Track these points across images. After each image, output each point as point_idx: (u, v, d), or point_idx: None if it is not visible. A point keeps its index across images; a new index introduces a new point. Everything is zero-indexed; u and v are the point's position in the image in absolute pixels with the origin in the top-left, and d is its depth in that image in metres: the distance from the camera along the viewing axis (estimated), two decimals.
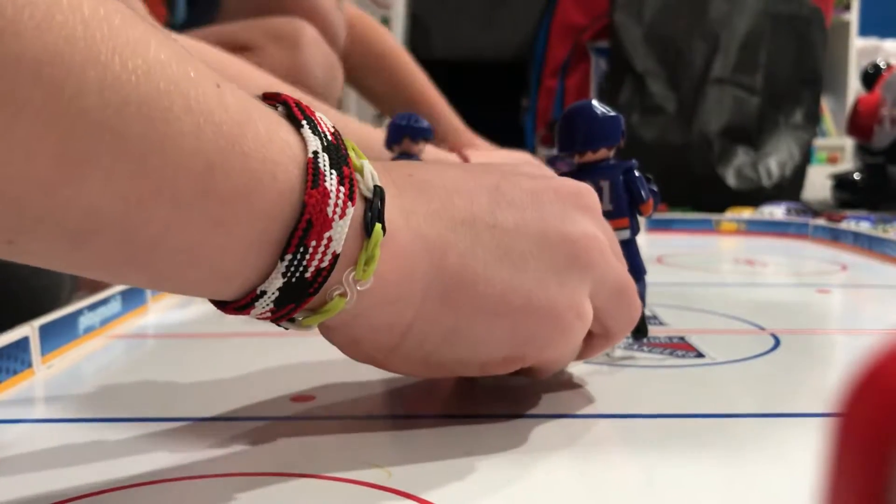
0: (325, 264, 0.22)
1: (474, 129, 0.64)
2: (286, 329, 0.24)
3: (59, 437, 0.28)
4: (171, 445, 0.27)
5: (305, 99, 0.28)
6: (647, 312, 0.37)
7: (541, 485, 0.24)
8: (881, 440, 0.09)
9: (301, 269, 0.22)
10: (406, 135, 0.48)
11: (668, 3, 1.33)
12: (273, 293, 0.22)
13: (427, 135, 0.48)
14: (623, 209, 0.36)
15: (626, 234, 0.36)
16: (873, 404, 0.09)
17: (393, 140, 0.48)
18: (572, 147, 0.37)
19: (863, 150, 1.46)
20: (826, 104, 2.87)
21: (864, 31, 2.90)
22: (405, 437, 0.28)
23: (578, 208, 0.28)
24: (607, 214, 0.36)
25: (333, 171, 0.22)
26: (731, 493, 0.23)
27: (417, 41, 1.73)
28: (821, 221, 0.88)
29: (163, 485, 0.23)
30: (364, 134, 0.61)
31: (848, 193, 1.40)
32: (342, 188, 0.22)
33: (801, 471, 0.24)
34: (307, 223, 0.21)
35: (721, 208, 1.04)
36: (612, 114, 0.36)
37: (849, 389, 0.09)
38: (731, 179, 1.26)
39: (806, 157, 1.35)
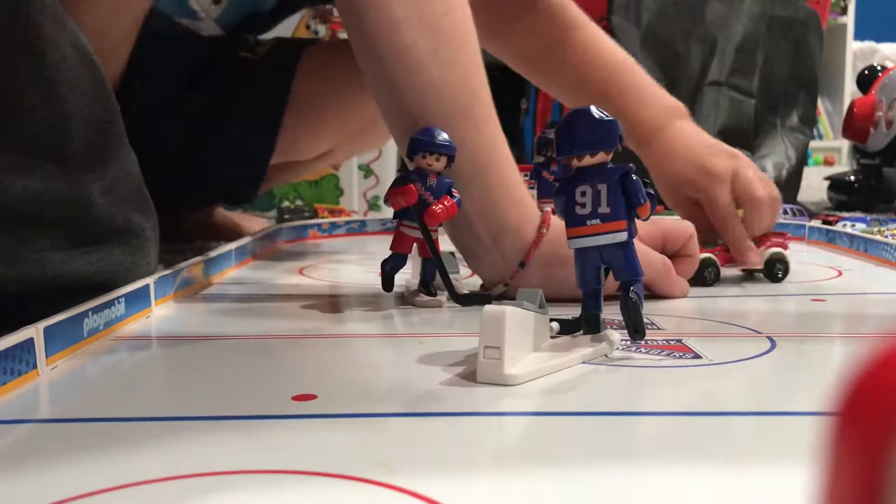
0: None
1: None
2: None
3: (63, 438, 0.28)
4: (173, 445, 0.27)
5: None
6: (644, 318, 0.38)
7: (540, 481, 0.24)
8: (878, 439, 0.09)
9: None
10: (422, 150, 0.48)
11: (666, 7, 1.33)
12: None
13: (446, 151, 0.48)
14: (620, 212, 0.37)
15: (622, 236, 0.37)
16: (871, 404, 0.09)
17: (412, 153, 0.48)
18: (571, 151, 0.37)
19: (858, 151, 1.47)
20: (822, 107, 2.88)
21: (860, 34, 2.90)
22: (406, 434, 0.28)
23: None
24: (604, 217, 0.37)
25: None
26: (728, 490, 0.23)
27: None
28: (816, 223, 0.89)
29: (165, 483, 0.23)
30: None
31: (843, 195, 1.41)
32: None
33: (797, 469, 0.24)
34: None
35: None
36: (610, 118, 0.37)
37: (846, 389, 0.09)
38: None
39: (802, 159, 1.36)
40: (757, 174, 0.67)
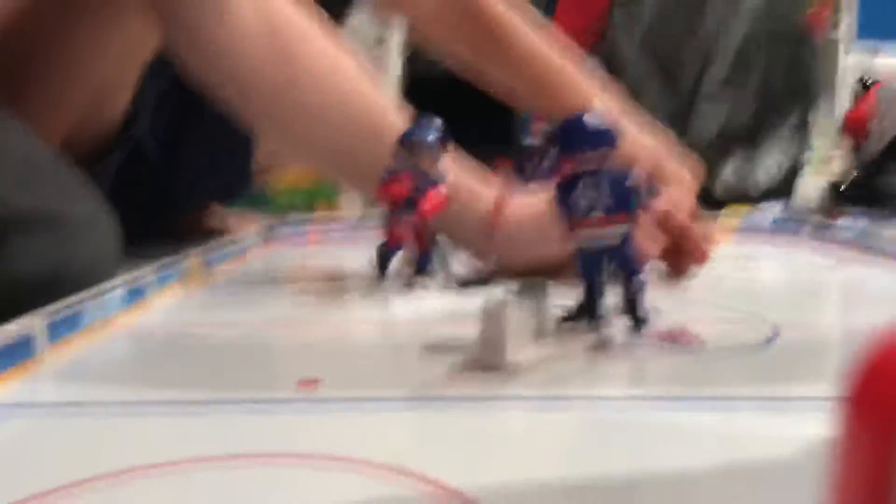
0: None
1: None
2: None
3: (65, 426, 0.28)
4: (177, 430, 0.27)
5: None
6: (647, 305, 0.38)
7: (545, 466, 0.24)
8: (887, 427, 0.09)
9: None
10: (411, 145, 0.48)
11: (664, 14, 1.34)
12: None
13: (432, 147, 0.48)
14: (621, 207, 0.37)
15: (623, 229, 0.37)
16: (879, 392, 0.09)
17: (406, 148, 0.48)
18: (573, 148, 0.38)
19: (852, 160, 1.48)
20: (818, 113, 2.89)
21: (857, 41, 2.92)
22: (412, 418, 0.28)
23: None
24: (606, 212, 0.37)
25: None
26: (732, 477, 0.23)
27: (417, 48, 1.73)
28: (815, 223, 0.89)
29: (170, 468, 0.23)
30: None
31: (840, 200, 1.41)
32: None
33: (800, 456, 0.24)
34: None
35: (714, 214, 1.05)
36: (609, 119, 0.38)
37: (855, 378, 0.10)
38: (721, 190, 1.28)
39: (796, 167, 1.36)
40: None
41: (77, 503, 0.21)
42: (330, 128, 0.52)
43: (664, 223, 0.54)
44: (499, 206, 0.51)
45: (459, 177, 0.52)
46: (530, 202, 0.51)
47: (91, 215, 0.49)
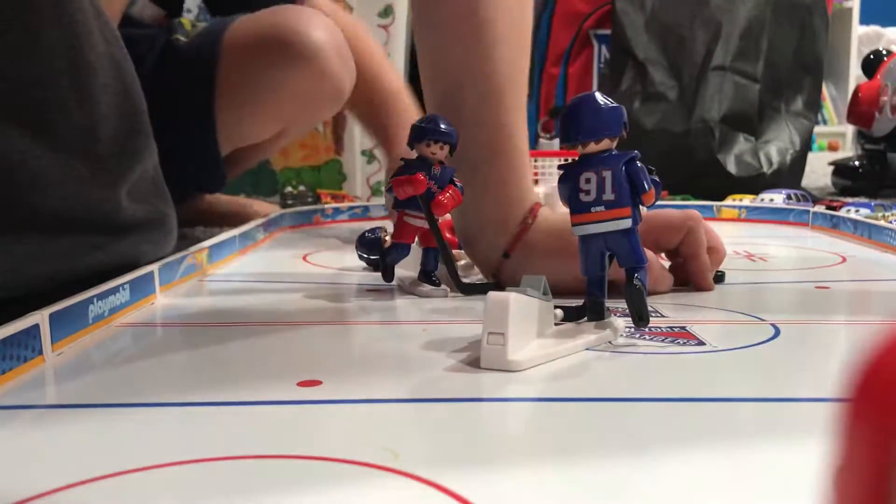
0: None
1: None
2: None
3: (69, 423, 0.28)
4: (179, 430, 0.27)
5: None
6: (648, 305, 0.38)
7: (544, 466, 0.24)
8: (889, 424, 0.09)
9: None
10: (427, 137, 0.47)
11: None
12: None
13: (449, 139, 0.47)
14: (625, 199, 0.37)
15: (627, 223, 0.37)
16: (881, 390, 0.09)
17: (416, 140, 0.48)
18: (576, 138, 0.37)
19: (863, 137, 1.46)
20: (827, 91, 2.87)
21: (866, 18, 2.89)
22: (412, 420, 0.28)
23: None
24: (608, 204, 0.37)
25: None
26: (733, 475, 0.23)
27: None
28: (820, 209, 0.88)
29: (171, 468, 0.24)
30: None
31: (848, 180, 1.40)
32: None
33: (801, 455, 0.24)
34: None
35: (721, 195, 1.04)
36: (615, 105, 0.37)
37: (857, 376, 0.09)
38: (731, 166, 1.27)
39: (806, 144, 1.35)
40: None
41: (77, 503, 0.22)
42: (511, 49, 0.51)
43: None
44: (521, 233, 0.50)
45: (499, 193, 0.51)
46: (549, 220, 0.50)
47: (172, 213, 0.54)
